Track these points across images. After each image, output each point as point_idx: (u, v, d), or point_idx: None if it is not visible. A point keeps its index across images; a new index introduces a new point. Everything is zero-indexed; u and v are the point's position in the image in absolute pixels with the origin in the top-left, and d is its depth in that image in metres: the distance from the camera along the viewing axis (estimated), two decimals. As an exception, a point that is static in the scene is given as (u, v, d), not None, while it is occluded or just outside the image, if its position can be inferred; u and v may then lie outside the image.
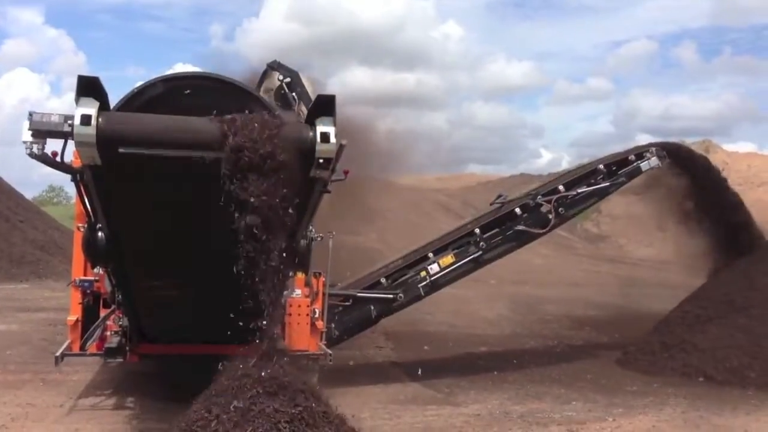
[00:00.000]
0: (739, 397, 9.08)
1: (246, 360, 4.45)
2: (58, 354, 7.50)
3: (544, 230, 10.18)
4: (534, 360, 11.32)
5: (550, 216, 10.11)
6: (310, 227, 6.92)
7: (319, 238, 7.64)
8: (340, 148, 4.71)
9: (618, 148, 11.19)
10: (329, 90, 4.98)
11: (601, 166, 10.60)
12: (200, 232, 4.75)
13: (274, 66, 10.51)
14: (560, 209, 10.17)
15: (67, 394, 8.26)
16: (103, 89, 4.47)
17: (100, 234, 5.79)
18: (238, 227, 4.37)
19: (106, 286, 7.48)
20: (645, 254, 35.00)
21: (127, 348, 7.39)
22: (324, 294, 8.52)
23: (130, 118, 4.52)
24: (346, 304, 9.42)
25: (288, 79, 10.16)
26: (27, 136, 4.57)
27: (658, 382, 9.80)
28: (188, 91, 4.66)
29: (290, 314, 8.10)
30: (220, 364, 4.65)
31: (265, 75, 10.61)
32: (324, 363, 8.15)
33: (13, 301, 16.43)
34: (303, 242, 6.19)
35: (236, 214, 4.39)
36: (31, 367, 9.55)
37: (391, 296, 9.54)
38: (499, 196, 10.55)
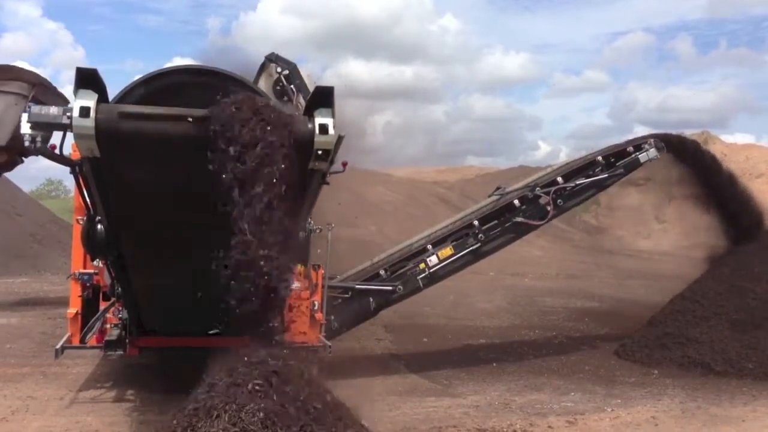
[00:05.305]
0: (736, 387, 9.13)
1: (248, 351, 4.44)
2: (58, 347, 7.53)
3: (542, 222, 10.20)
4: (533, 351, 11.36)
5: (549, 208, 10.12)
6: (309, 219, 6.93)
7: (318, 231, 7.66)
8: (339, 139, 4.70)
9: (616, 140, 11.19)
10: (326, 82, 4.94)
11: (600, 158, 10.60)
12: (199, 222, 4.76)
13: (272, 58, 10.46)
14: (559, 201, 10.19)
15: (67, 386, 8.29)
16: (101, 81, 4.45)
17: (99, 226, 5.80)
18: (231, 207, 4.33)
19: (105, 279, 7.51)
20: (644, 246, 35.08)
21: (127, 341, 7.42)
22: (323, 286, 8.54)
23: (129, 109, 4.52)
24: (346, 296, 9.44)
25: (286, 72, 10.12)
26: (26, 128, 4.57)
27: (656, 373, 9.85)
28: (192, 92, 4.64)
29: (290, 306, 8.11)
30: (221, 355, 4.64)
31: (263, 68, 10.57)
32: (323, 355, 8.17)
33: (13, 294, 16.45)
34: (302, 234, 6.19)
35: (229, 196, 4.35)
36: (31, 360, 9.58)
37: (390, 288, 9.56)
38: (498, 188, 10.56)
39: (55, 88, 12.39)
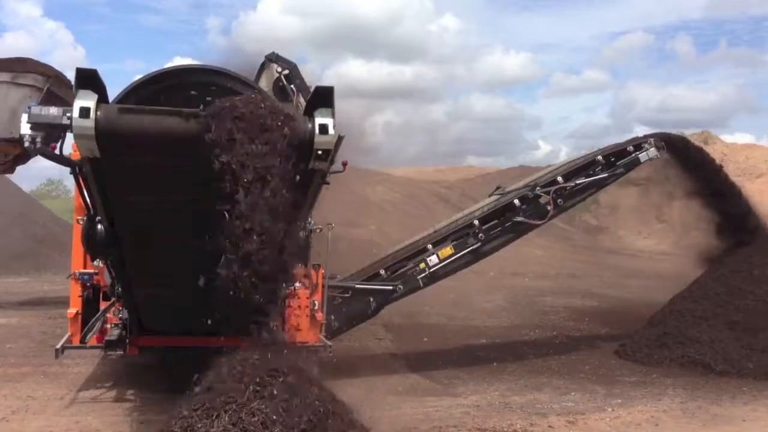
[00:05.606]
0: (737, 387, 9.13)
1: (248, 351, 4.44)
2: (58, 347, 7.54)
3: (542, 221, 10.20)
4: (533, 351, 11.35)
5: (549, 207, 10.11)
6: (309, 219, 6.93)
7: (318, 230, 7.66)
8: (339, 139, 4.70)
9: (616, 139, 11.20)
10: (325, 82, 4.94)
11: (600, 158, 10.59)
12: (199, 221, 4.76)
13: (272, 58, 10.46)
14: (559, 200, 10.18)
15: (67, 386, 8.29)
16: (101, 82, 4.46)
17: (99, 226, 5.80)
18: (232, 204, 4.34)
19: (105, 279, 7.50)
20: (644, 245, 35.08)
21: (127, 340, 7.43)
22: (323, 286, 8.54)
23: (129, 110, 4.52)
24: (346, 295, 9.44)
25: (286, 71, 10.11)
26: (26, 129, 4.57)
27: (656, 373, 9.84)
28: (193, 92, 4.64)
29: (290, 306, 8.11)
30: (221, 355, 4.63)
31: (263, 67, 10.57)
32: (323, 355, 8.17)
33: (13, 294, 16.44)
34: (302, 234, 6.19)
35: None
36: (32, 360, 9.59)
37: (390, 288, 9.55)
38: (498, 188, 10.56)
39: (69, 82, 12.38)
